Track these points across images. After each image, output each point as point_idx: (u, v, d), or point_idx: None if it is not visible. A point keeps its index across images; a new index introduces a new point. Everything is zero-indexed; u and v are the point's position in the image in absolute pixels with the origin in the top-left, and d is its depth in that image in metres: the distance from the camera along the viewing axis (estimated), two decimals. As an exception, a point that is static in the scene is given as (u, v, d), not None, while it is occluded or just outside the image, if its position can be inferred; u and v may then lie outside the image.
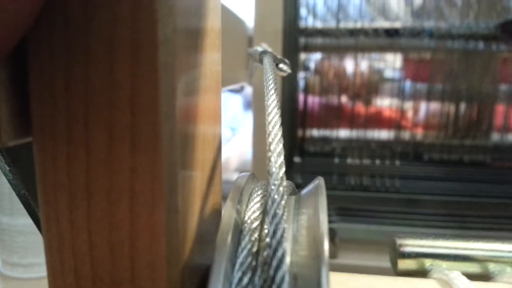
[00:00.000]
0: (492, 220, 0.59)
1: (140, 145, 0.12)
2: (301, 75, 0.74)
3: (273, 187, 0.15)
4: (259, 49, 0.35)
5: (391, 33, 0.72)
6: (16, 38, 0.12)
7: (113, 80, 0.12)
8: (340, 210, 0.62)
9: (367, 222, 0.60)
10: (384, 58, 0.76)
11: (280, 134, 0.17)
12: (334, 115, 0.73)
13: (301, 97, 0.73)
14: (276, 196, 0.14)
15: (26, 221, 0.59)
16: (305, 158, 0.69)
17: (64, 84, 0.12)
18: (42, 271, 0.60)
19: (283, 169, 0.15)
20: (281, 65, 0.30)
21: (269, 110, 0.18)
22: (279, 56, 0.31)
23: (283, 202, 0.14)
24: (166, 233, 0.13)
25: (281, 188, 0.15)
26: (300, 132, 0.73)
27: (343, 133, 0.72)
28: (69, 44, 0.12)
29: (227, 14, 0.57)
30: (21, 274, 0.60)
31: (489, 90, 0.70)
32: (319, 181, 0.18)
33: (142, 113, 0.12)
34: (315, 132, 0.73)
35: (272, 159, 0.16)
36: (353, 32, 0.72)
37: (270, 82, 0.22)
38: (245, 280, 0.13)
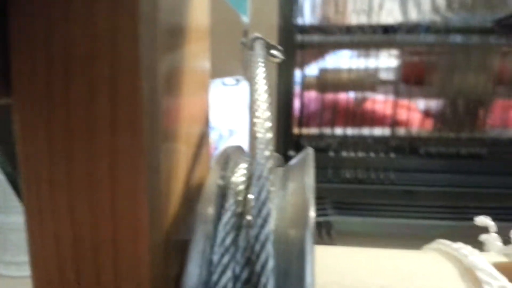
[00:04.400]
0: (488, 211, 0.59)
1: (120, 100, 0.12)
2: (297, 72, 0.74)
3: (259, 150, 0.14)
4: (252, 36, 0.35)
5: (388, 29, 0.72)
6: None
7: (93, 32, 0.12)
8: (336, 203, 0.62)
9: (363, 215, 0.60)
10: (381, 54, 0.76)
11: (267, 102, 0.17)
12: (330, 112, 0.73)
13: (298, 94, 0.73)
14: (261, 160, 0.14)
15: (19, 218, 0.58)
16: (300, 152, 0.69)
17: (44, 37, 0.12)
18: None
19: (270, 134, 0.15)
20: (273, 51, 0.30)
21: (256, 80, 0.18)
22: (271, 43, 0.30)
23: (268, 164, 0.14)
24: (147, 191, 0.13)
25: (266, 152, 0.15)
26: (296, 129, 0.73)
27: (339, 130, 0.72)
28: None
29: (223, 8, 0.57)
30: (14, 272, 0.59)
31: (486, 84, 0.70)
32: (307, 150, 0.18)
33: (122, 66, 0.12)
34: (311, 129, 0.73)
35: (259, 124, 0.15)
36: (349, 29, 0.72)
37: (259, 57, 0.21)
38: (228, 240, 0.13)
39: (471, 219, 0.23)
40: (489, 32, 0.68)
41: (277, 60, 0.30)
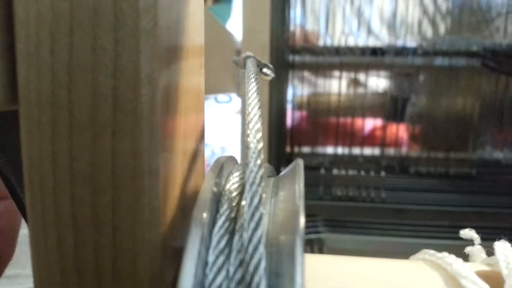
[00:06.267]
0: (477, 230, 0.60)
1: (121, 107, 0.13)
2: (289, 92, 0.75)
3: (251, 159, 0.15)
4: (244, 55, 0.36)
5: (377, 51, 0.73)
6: None
7: (97, 44, 0.13)
8: (327, 221, 0.62)
9: (355, 233, 0.61)
10: (370, 75, 0.78)
11: (259, 114, 0.18)
12: (322, 133, 0.74)
13: (289, 114, 0.74)
14: (254, 168, 0.15)
15: (12, 233, 0.58)
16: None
17: (49, 49, 0.13)
18: (28, 283, 0.58)
19: (261, 144, 0.16)
20: (264, 70, 0.31)
21: (249, 94, 0.19)
22: (263, 61, 0.31)
23: (260, 172, 0.15)
24: (146, 195, 0.13)
25: (258, 161, 0.15)
26: (288, 148, 0.74)
27: (330, 149, 0.73)
28: (54, 11, 0.13)
29: (216, 28, 0.59)
30: (6, 286, 0.59)
31: (474, 105, 0.72)
32: (298, 161, 0.19)
33: (124, 77, 0.13)
34: (303, 148, 0.74)
35: (251, 134, 0.16)
36: (339, 51, 0.74)
37: (251, 73, 0.22)
38: (223, 242, 0.14)
39: (460, 238, 0.24)
40: (475, 55, 0.70)
41: (268, 78, 0.31)
